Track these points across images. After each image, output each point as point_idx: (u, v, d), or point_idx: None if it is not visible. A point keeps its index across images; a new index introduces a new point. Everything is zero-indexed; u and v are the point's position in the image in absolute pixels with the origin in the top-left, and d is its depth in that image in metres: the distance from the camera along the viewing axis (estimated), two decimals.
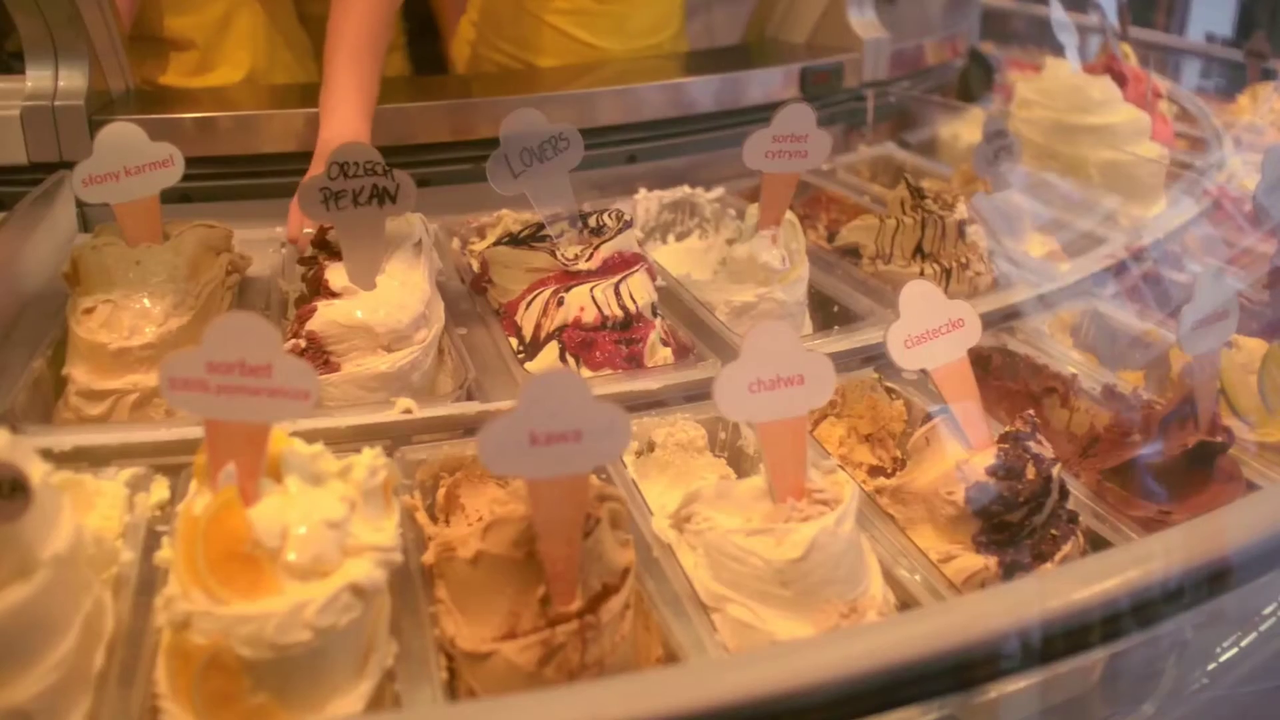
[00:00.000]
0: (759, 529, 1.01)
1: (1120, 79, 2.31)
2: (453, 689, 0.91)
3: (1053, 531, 1.14)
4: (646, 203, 2.00)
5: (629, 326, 1.40)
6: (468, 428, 1.25)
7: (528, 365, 1.39)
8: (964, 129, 2.49)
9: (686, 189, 2.04)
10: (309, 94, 2.28)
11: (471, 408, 1.26)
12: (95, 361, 1.30)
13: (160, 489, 1.13)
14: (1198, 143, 2.50)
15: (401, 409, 1.24)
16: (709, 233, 2.02)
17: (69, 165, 1.55)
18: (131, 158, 1.38)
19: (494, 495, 1.05)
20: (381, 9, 1.81)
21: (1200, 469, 1.26)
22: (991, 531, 1.12)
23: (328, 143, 1.66)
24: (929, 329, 1.16)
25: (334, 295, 1.33)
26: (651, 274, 1.49)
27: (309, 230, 1.50)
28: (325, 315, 1.30)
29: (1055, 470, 1.13)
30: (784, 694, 0.78)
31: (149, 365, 1.29)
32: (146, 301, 1.33)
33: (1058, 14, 2.30)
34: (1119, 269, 1.77)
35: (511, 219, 1.81)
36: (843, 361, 1.40)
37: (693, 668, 0.92)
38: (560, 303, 1.39)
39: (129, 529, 1.07)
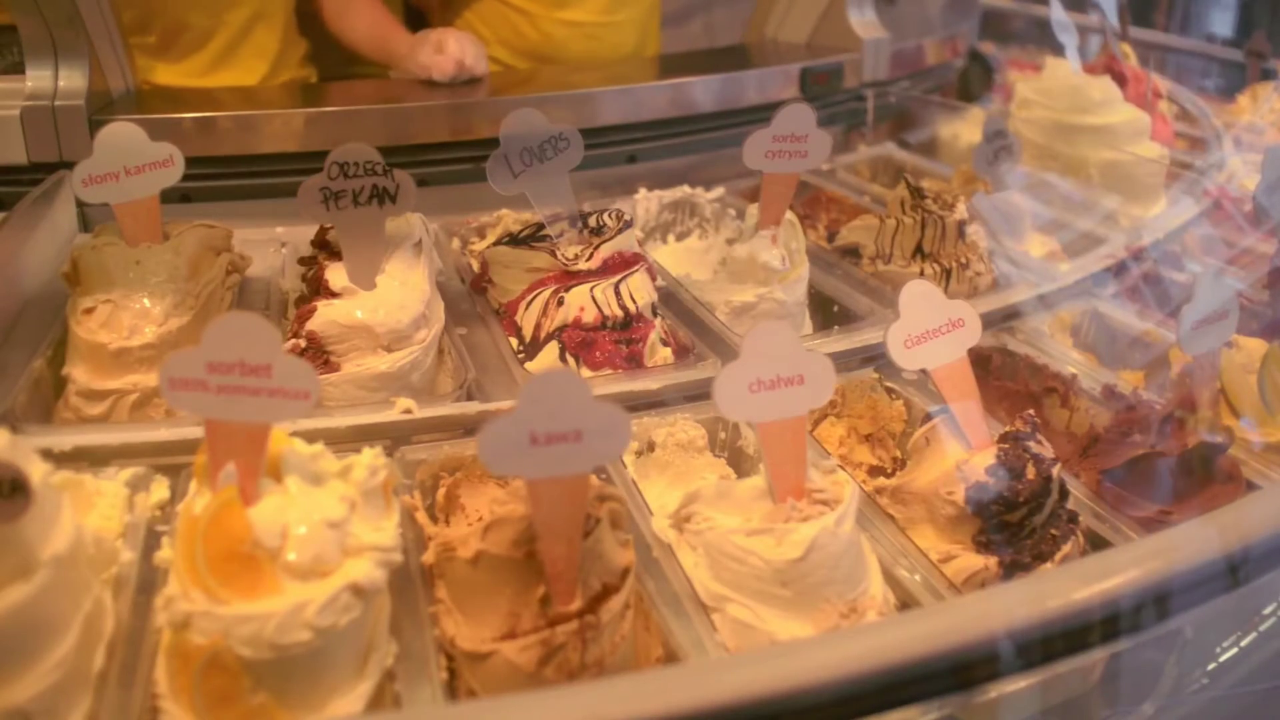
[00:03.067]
0: (759, 529, 1.01)
1: (1120, 79, 2.31)
2: (453, 689, 0.91)
3: (1053, 531, 1.14)
4: (646, 203, 2.00)
5: (629, 326, 1.40)
6: (468, 428, 1.25)
7: (528, 365, 1.39)
8: (964, 129, 2.49)
9: (686, 189, 2.04)
10: (309, 94, 2.30)
11: (471, 408, 1.26)
12: (95, 361, 1.30)
13: (160, 489, 1.13)
14: (1198, 143, 2.50)
15: (401, 409, 1.24)
16: (709, 233, 2.02)
17: (69, 165, 1.55)
18: (131, 158, 1.38)
19: (494, 495, 1.05)
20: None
21: (1200, 469, 1.26)
22: (991, 531, 1.12)
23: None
24: (929, 329, 1.16)
25: (334, 295, 1.33)
26: (651, 274, 1.49)
27: None
28: (325, 315, 1.30)
29: (1055, 470, 1.13)
30: (784, 694, 0.78)
31: (149, 365, 1.29)
32: (146, 301, 1.33)
33: (1058, 14, 2.30)
34: (1119, 269, 1.77)
35: (511, 219, 1.81)
36: (843, 361, 1.40)
37: (693, 668, 0.92)
38: (560, 303, 1.39)
39: (129, 529, 1.07)
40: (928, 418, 1.22)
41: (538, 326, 1.40)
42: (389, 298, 1.33)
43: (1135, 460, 1.25)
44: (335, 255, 1.38)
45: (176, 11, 2.14)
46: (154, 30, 2.13)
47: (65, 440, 1.15)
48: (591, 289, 1.39)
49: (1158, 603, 0.91)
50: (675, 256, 1.95)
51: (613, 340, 1.39)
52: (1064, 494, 1.16)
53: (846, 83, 2.51)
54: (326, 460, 0.93)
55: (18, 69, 1.80)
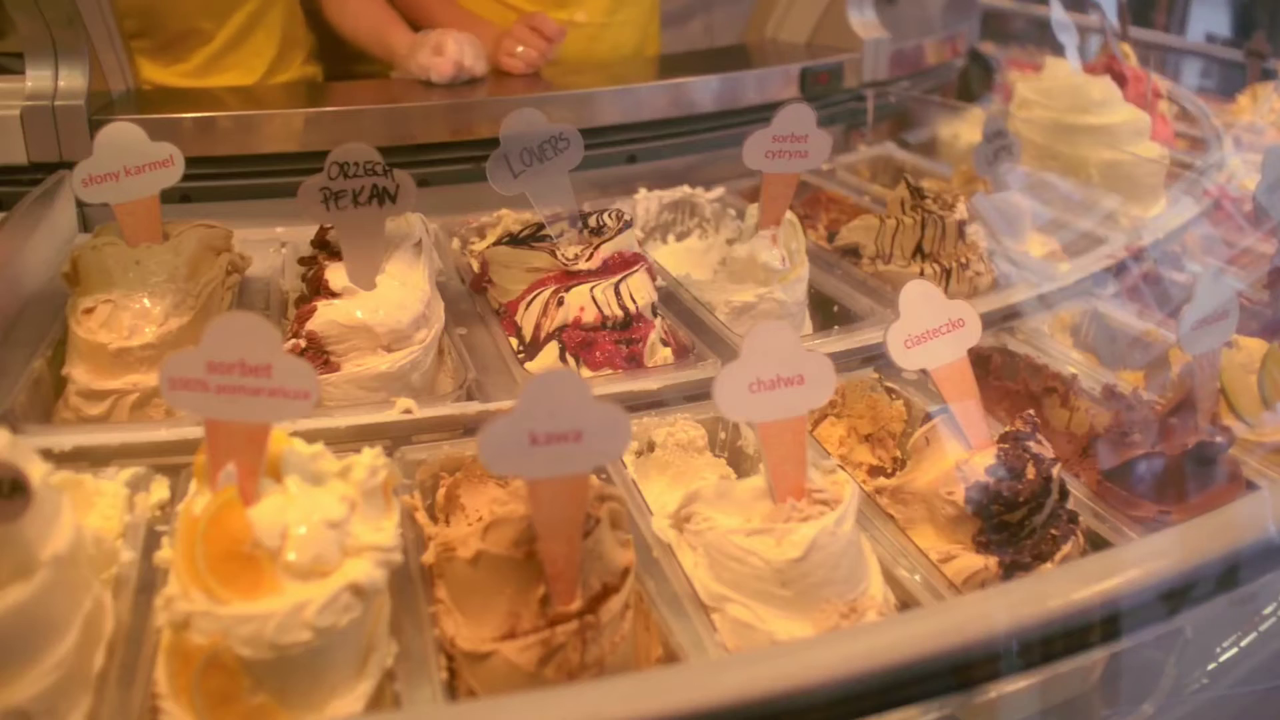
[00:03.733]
0: (759, 529, 1.01)
1: (1120, 79, 2.31)
2: (453, 689, 0.91)
3: (1053, 531, 1.14)
4: (646, 203, 2.00)
5: (629, 326, 1.40)
6: (468, 428, 1.25)
7: (528, 365, 1.39)
8: (964, 129, 2.49)
9: (686, 189, 2.04)
10: (309, 94, 2.30)
11: (471, 408, 1.26)
12: (95, 361, 1.30)
13: (160, 489, 1.13)
14: (1198, 143, 2.50)
15: (401, 409, 1.24)
16: (709, 233, 2.02)
17: (69, 165, 1.55)
18: (131, 158, 1.38)
19: (494, 495, 1.05)
20: None
21: (1200, 469, 1.26)
22: (991, 531, 1.12)
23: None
24: (929, 329, 1.16)
25: (334, 295, 1.33)
26: (651, 274, 1.49)
27: None
28: (325, 315, 1.30)
29: (1055, 470, 1.13)
30: (784, 694, 0.78)
31: (149, 365, 1.29)
32: (146, 301, 1.33)
33: (1058, 14, 2.30)
34: (1119, 269, 1.77)
35: (511, 219, 1.81)
36: (843, 361, 1.40)
37: (693, 668, 0.92)
38: (560, 303, 1.39)
39: (129, 529, 1.07)
40: (928, 418, 1.22)
41: (538, 326, 1.40)
42: (389, 298, 1.33)
43: (1135, 460, 1.25)
44: (335, 255, 1.38)
45: (179, 18, 2.14)
46: (152, 34, 2.14)
47: (65, 440, 1.15)
48: (591, 289, 1.39)
49: (1158, 603, 0.91)
50: (675, 256, 1.95)
51: (613, 340, 1.39)
52: (1064, 494, 1.16)
53: (846, 83, 2.51)
54: (326, 460, 0.93)
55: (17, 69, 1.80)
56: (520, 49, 2.19)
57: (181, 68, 2.19)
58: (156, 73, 2.18)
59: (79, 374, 1.30)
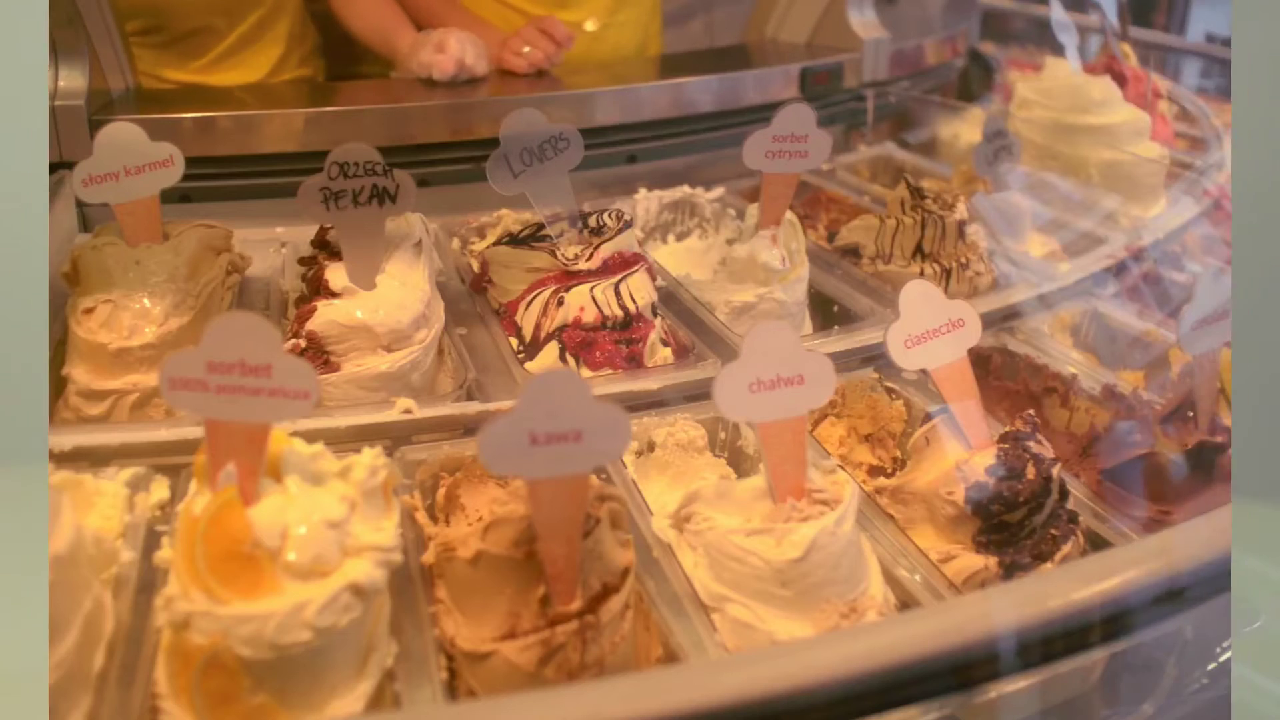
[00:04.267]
0: (759, 529, 1.01)
1: (1120, 79, 2.31)
2: (453, 689, 0.91)
3: (1053, 531, 1.14)
4: (646, 203, 2.00)
5: (629, 326, 1.40)
6: (468, 428, 1.25)
7: (528, 365, 1.39)
8: (964, 129, 2.49)
9: (686, 189, 2.04)
10: (309, 94, 2.30)
11: (471, 408, 1.26)
12: (95, 361, 1.30)
13: (160, 489, 1.13)
14: (1198, 143, 2.50)
15: (401, 409, 1.24)
16: (709, 233, 2.02)
17: (69, 165, 1.55)
18: (131, 158, 1.38)
19: (494, 495, 1.05)
20: None
21: (1200, 469, 1.26)
22: (991, 531, 1.12)
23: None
24: (929, 329, 1.16)
25: (334, 295, 1.33)
26: (651, 274, 1.49)
27: None
28: (325, 315, 1.30)
29: (1055, 470, 1.13)
30: (784, 694, 0.78)
31: (149, 365, 1.29)
32: (146, 301, 1.32)
33: (1058, 14, 2.30)
34: (1119, 269, 1.77)
35: (511, 219, 1.80)
36: (843, 361, 1.40)
37: (693, 668, 0.92)
38: (560, 303, 1.39)
39: (129, 529, 1.07)
40: (928, 418, 1.22)
41: (538, 326, 1.40)
42: (389, 298, 1.33)
43: (1135, 460, 1.25)
44: (335, 255, 1.38)
45: (195, 14, 2.14)
46: (163, 31, 2.14)
47: (65, 440, 1.15)
48: (591, 289, 1.39)
49: (1157, 603, 0.91)
50: (675, 256, 1.95)
51: (613, 340, 1.39)
52: (1064, 494, 1.16)
53: (846, 83, 2.51)
54: (326, 460, 0.93)
55: None
56: (527, 49, 2.19)
57: (191, 65, 2.19)
58: (163, 69, 2.18)
59: (79, 374, 1.30)
